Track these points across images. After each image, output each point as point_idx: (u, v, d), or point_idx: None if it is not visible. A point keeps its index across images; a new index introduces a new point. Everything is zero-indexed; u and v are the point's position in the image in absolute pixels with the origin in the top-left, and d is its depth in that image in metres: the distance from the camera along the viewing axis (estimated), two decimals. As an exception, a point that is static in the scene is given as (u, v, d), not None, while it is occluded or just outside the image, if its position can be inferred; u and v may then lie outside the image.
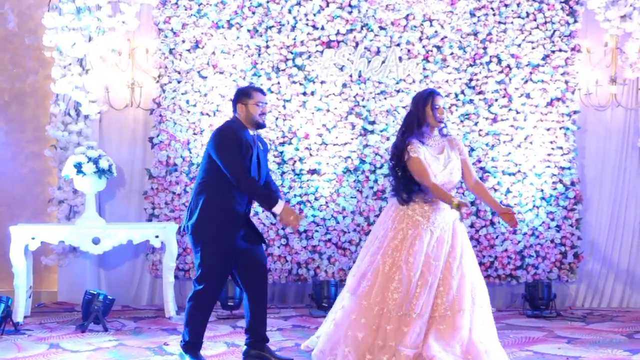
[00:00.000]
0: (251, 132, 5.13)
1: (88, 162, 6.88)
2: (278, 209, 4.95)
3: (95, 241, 6.86)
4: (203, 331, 5.12)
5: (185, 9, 7.58)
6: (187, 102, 7.56)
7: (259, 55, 7.61)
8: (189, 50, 7.58)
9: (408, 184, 5.07)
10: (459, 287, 4.98)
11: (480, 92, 7.62)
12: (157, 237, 6.97)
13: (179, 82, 7.56)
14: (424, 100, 5.07)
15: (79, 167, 6.87)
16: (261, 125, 5.15)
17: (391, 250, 5.04)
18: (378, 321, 4.97)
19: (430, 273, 4.97)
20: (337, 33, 7.63)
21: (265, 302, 5.30)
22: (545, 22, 7.61)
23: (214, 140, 5.02)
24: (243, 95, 5.14)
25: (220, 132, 5.06)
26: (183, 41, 7.57)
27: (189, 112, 7.56)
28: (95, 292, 6.40)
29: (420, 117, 5.07)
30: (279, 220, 5.21)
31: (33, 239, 6.79)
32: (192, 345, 5.09)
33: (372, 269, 5.06)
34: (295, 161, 7.58)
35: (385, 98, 7.62)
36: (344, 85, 7.63)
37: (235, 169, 4.94)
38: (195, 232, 5.01)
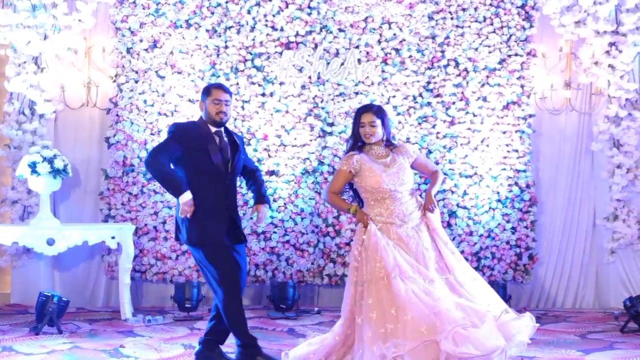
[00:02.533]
0: (214, 129, 5.14)
1: (43, 161, 6.79)
2: (182, 198, 4.95)
3: (50, 242, 6.77)
4: (247, 327, 5.18)
5: (143, 8, 7.51)
6: (145, 102, 7.50)
7: (218, 55, 7.58)
8: (146, 50, 7.52)
9: (357, 196, 5.22)
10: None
11: (437, 95, 7.68)
12: (113, 238, 6.90)
13: (136, 81, 7.50)
14: (354, 118, 5.20)
15: (33, 166, 6.77)
16: (218, 123, 5.13)
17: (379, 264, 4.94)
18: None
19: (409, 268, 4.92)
20: (297, 34, 7.63)
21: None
22: (502, 27, 7.70)
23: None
24: (203, 92, 5.19)
25: (171, 125, 5.21)
26: (141, 40, 7.51)
27: (146, 112, 7.50)
28: (49, 294, 6.31)
29: (355, 135, 5.19)
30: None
31: (-15, 239, 6.68)
32: (249, 345, 5.11)
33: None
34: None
35: (344, 100, 7.64)
36: (303, 87, 7.64)
37: (153, 150, 5.08)
38: (189, 243, 5.10)
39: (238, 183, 7.35)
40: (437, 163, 7.61)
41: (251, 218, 7.51)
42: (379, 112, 5.16)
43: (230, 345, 5.35)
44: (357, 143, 5.18)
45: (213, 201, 5.06)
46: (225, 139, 5.19)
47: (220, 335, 5.29)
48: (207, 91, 5.16)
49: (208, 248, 5.03)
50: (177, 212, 5.08)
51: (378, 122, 5.11)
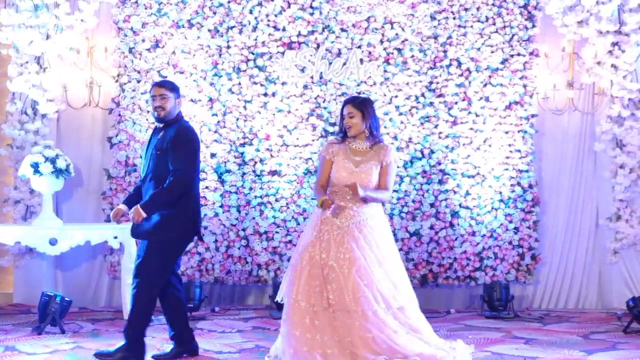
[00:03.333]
0: (158, 126, 5.29)
1: (45, 161, 6.79)
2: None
3: (52, 242, 6.77)
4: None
5: (145, 8, 7.52)
6: (147, 101, 7.50)
7: (220, 55, 7.58)
8: (148, 50, 7.52)
9: None
10: (353, 286, 4.98)
11: (440, 95, 7.68)
12: (115, 238, 6.90)
13: (138, 81, 7.50)
14: (340, 112, 5.31)
15: (35, 166, 6.78)
16: (157, 120, 5.24)
17: (310, 249, 5.11)
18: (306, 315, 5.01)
19: (338, 266, 5.01)
20: (299, 34, 7.63)
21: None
22: (504, 27, 7.70)
23: None
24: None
25: None
26: (143, 40, 7.51)
27: (148, 112, 7.50)
28: (52, 294, 6.31)
29: (339, 124, 5.34)
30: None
31: (-12, 239, 6.69)
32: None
33: (291, 271, 5.16)
34: (255, 162, 7.56)
35: (346, 100, 7.64)
36: (305, 87, 7.64)
37: None
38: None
39: (241, 184, 7.38)
40: (439, 163, 7.62)
41: (253, 218, 7.54)
42: (361, 104, 5.22)
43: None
44: (343, 134, 5.28)
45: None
46: (159, 136, 5.22)
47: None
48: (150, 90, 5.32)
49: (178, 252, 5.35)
50: None
51: (358, 114, 5.19)
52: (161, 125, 5.24)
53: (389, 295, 5.04)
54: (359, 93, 7.63)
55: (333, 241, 5.08)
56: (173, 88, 5.27)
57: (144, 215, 5.07)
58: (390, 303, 5.03)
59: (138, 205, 5.11)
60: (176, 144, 5.11)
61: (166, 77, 7.47)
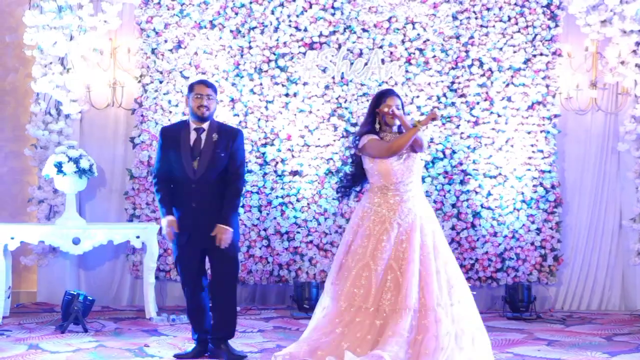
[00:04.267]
0: (194, 125, 5.23)
1: (68, 161, 6.85)
2: (162, 221, 5.24)
3: (76, 241, 6.83)
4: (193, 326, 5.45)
5: (168, 9, 7.57)
6: (169, 102, 7.56)
7: (242, 56, 7.61)
8: (171, 50, 7.57)
9: (359, 178, 5.29)
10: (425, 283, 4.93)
11: (462, 95, 7.66)
12: (138, 237, 6.95)
13: (160, 82, 7.55)
14: (377, 100, 5.18)
15: (59, 166, 6.84)
16: (200, 118, 5.19)
17: (361, 249, 5.04)
18: (343, 316, 4.95)
19: (400, 266, 4.94)
20: (320, 35, 7.64)
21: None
22: (527, 26, 7.67)
23: None
24: (188, 89, 5.31)
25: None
26: (165, 41, 7.56)
27: (170, 112, 7.55)
28: (75, 293, 6.37)
29: (373, 115, 5.19)
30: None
31: (12, 238, 6.75)
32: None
33: (342, 271, 5.07)
34: (277, 162, 7.59)
35: (367, 100, 7.63)
36: (327, 87, 7.65)
37: (154, 167, 5.33)
38: None
39: (263, 184, 7.39)
40: (461, 163, 7.61)
41: (274, 218, 7.56)
42: (399, 98, 5.23)
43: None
44: (374, 125, 5.18)
45: (180, 201, 5.23)
46: (204, 136, 5.20)
47: (218, 330, 5.37)
48: (190, 87, 5.28)
49: (177, 242, 5.28)
50: None
51: (401, 106, 5.19)
52: (201, 125, 5.22)
53: (444, 293, 4.95)
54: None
55: (390, 238, 5.00)
56: (216, 90, 5.33)
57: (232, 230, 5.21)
58: (446, 301, 4.94)
59: (221, 225, 5.14)
60: (238, 146, 5.27)
61: (188, 77, 7.51)
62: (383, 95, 5.19)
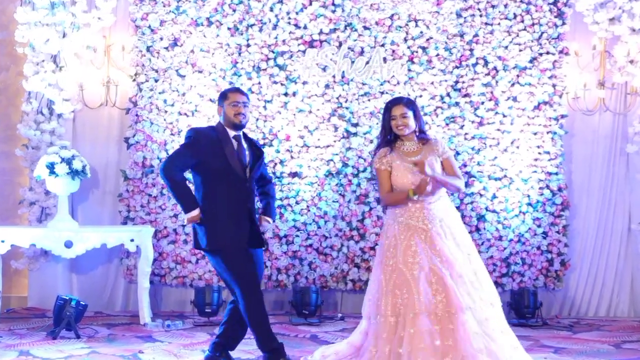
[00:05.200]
0: (232, 133, 5.23)
1: (61, 162, 6.85)
2: (190, 215, 5.11)
3: (68, 245, 6.83)
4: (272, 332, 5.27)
5: (164, 6, 7.56)
6: (165, 101, 7.55)
7: (240, 54, 7.60)
8: (167, 48, 7.56)
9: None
10: (451, 286, 4.97)
11: (466, 95, 7.65)
12: (132, 240, 6.95)
13: (156, 80, 7.55)
14: (384, 112, 5.28)
15: (51, 167, 6.84)
16: (237, 126, 5.22)
17: (391, 260, 5.09)
18: (396, 330, 4.97)
19: (437, 268, 5.00)
20: (320, 32, 7.64)
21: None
22: (533, 24, 7.66)
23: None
24: (220, 97, 5.31)
25: (189, 130, 5.36)
26: (161, 38, 7.56)
27: (166, 111, 7.55)
28: (67, 298, 6.35)
29: (386, 128, 5.28)
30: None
31: (2, 241, 6.76)
32: (275, 349, 5.20)
33: (377, 287, 5.13)
34: (275, 164, 7.57)
35: (369, 100, 7.63)
36: (327, 86, 7.64)
37: (168, 158, 5.19)
38: (209, 248, 5.16)
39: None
40: (465, 165, 7.59)
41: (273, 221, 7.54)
42: (409, 103, 5.26)
43: (249, 352, 5.34)
44: (387, 137, 5.26)
45: (232, 206, 5.15)
46: (244, 143, 5.29)
47: (230, 341, 5.34)
48: (224, 95, 5.29)
49: (228, 253, 5.10)
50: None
51: (410, 113, 5.21)
52: (238, 133, 5.27)
53: (475, 295, 5.04)
54: (382, 93, 7.62)
55: (422, 245, 5.07)
56: (248, 97, 5.39)
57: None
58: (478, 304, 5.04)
59: (266, 218, 5.42)
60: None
61: (185, 76, 7.50)
62: (388, 106, 5.26)
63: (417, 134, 5.27)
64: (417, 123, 5.25)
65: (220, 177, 5.15)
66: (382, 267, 5.13)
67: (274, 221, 5.56)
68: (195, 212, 5.09)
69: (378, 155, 5.26)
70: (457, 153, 7.60)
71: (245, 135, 5.36)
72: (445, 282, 4.95)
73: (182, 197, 5.12)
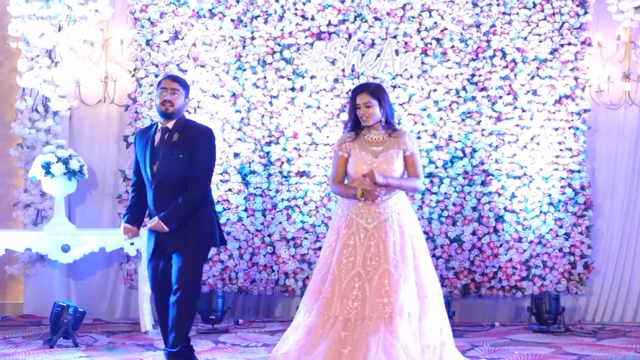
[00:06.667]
0: (161, 126, 5.28)
1: (57, 162, 6.88)
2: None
3: (65, 249, 6.84)
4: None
5: (164, -3, 7.58)
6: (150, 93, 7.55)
7: (244, 47, 7.60)
8: (167, 42, 7.57)
9: None
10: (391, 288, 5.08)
11: (483, 89, 7.63)
12: (132, 244, 6.93)
13: (156, 76, 7.55)
14: (350, 101, 5.35)
15: (47, 167, 6.86)
16: (162, 115, 5.24)
17: (334, 254, 5.27)
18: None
19: (367, 272, 5.12)
20: (329, 24, 7.63)
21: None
22: (554, 14, 7.64)
23: None
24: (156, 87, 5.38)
25: None
26: (161, 32, 7.56)
27: (167, 108, 7.54)
28: (64, 304, 6.36)
29: (350, 115, 5.36)
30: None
31: (-4, 246, 6.77)
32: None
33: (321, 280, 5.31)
34: (282, 162, 7.57)
35: (380, 94, 7.61)
36: (336, 81, 7.63)
37: (210, 172, 5.39)
38: None
39: (267, 186, 7.38)
40: (482, 163, 7.56)
41: (280, 223, 7.54)
42: (375, 91, 5.30)
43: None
44: (354, 125, 5.33)
45: (149, 207, 5.36)
46: (166, 136, 5.23)
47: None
48: (158, 83, 5.32)
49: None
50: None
51: (374, 102, 5.26)
52: (167, 124, 5.25)
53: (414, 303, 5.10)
54: (395, 87, 7.61)
55: (359, 245, 5.18)
56: (185, 85, 5.35)
57: (167, 229, 5.23)
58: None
59: (159, 217, 5.22)
60: (202, 147, 5.23)
61: (186, 71, 7.50)
62: (353, 94, 5.32)
63: (383, 123, 5.31)
64: (383, 112, 5.28)
65: (139, 176, 5.40)
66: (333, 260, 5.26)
67: (169, 227, 5.21)
68: (123, 224, 5.40)
69: (339, 140, 5.37)
70: (474, 150, 7.58)
71: (187, 124, 5.30)
72: (365, 287, 5.11)
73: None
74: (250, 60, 7.60)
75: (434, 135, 7.57)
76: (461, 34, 7.65)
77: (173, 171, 5.20)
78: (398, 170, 5.28)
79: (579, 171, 7.61)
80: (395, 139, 5.31)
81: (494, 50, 7.64)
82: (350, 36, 7.65)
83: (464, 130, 7.62)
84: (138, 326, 7.00)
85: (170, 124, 5.26)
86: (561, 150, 7.61)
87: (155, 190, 5.24)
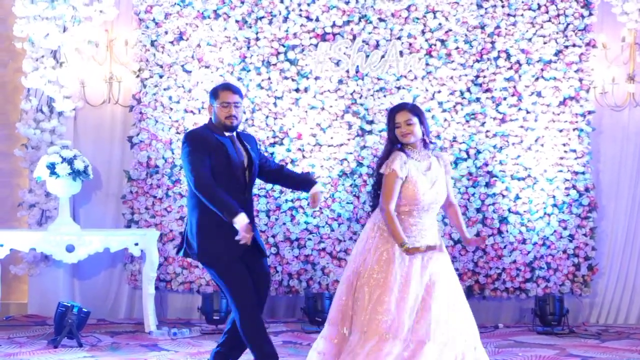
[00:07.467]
0: (226, 134, 5.04)
1: (62, 162, 6.91)
2: (238, 221, 4.80)
3: (69, 249, 6.88)
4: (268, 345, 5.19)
5: (169, -2, 7.63)
6: (170, 98, 7.60)
7: (248, 48, 7.65)
8: (172, 42, 7.62)
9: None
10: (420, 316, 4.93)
11: (487, 90, 7.67)
12: (136, 244, 7.00)
13: (161, 76, 7.60)
14: (388, 120, 5.09)
15: (52, 168, 6.90)
16: (228, 128, 5.01)
17: (370, 271, 5.01)
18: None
19: (407, 293, 4.90)
20: (333, 25, 7.67)
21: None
22: (558, 15, 7.68)
23: (182, 145, 5.02)
24: (211, 95, 5.09)
25: (185, 135, 5.06)
26: (166, 32, 7.61)
27: (171, 109, 7.60)
28: (68, 304, 6.41)
29: (391, 138, 5.07)
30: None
31: (1, 246, 6.82)
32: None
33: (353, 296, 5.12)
34: (287, 163, 7.60)
35: (384, 95, 7.67)
36: (340, 82, 7.68)
37: (194, 170, 4.89)
38: (203, 259, 5.02)
39: (271, 186, 7.43)
40: (486, 164, 7.62)
41: (284, 223, 7.59)
42: (414, 109, 5.04)
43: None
44: (397, 146, 5.03)
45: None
46: (239, 145, 5.10)
47: (233, 351, 5.27)
48: (214, 93, 5.05)
49: (222, 265, 4.96)
50: (186, 227, 5.05)
51: (415, 119, 4.97)
52: (231, 134, 5.07)
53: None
54: (399, 88, 7.65)
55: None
56: (242, 95, 5.17)
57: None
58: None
59: (315, 187, 5.20)
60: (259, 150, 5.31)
61: (191, 72, 7.56)
62: (391, 114, 5.06)
63: (422, 143, 5.05)
64: (424, 130, 5.02)
65: (219, 181, 4.94)
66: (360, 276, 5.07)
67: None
68: (244, 217, 4.82)
69: (398, 160, 4.94)
70: (478, 151, 7.63)
71: (239, 135, 5.16)
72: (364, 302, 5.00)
73: (222, 203, 4.85)
74: (255, 61, 7.64)
75: (438, 137, 7.60)
76: (466, 35, 7.69)
77: (256, 176, 5.20)
78: (444, 196, 5.11)
79: (583, 173, 7.65)
80: (437, 160, 5.09)
81: (499, 51, 7.68)
82: (354, 37, 7.70)
83: (468, 131, 7.67)
84: (142, 326, 7.04)
85: (234, 134, 5.10)
86: (565, 151, 7.65)
87: (248, 195, 5.10)
